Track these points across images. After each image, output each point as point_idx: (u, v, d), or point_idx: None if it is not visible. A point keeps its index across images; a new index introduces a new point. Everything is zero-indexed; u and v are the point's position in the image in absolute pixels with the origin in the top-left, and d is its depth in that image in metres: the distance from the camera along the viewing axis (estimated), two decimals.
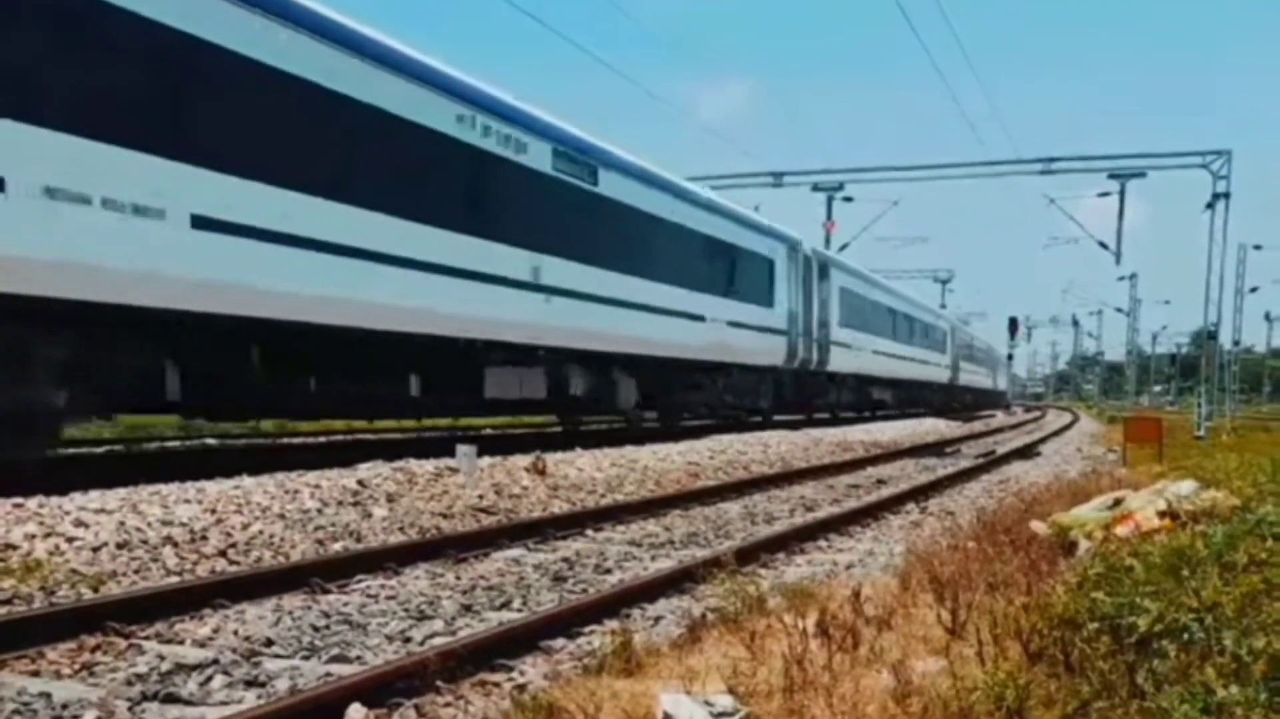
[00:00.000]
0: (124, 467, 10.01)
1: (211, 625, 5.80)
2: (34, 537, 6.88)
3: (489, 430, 19.63)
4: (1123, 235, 34.78)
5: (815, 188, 36.31)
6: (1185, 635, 4.04)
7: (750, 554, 8.10)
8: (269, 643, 5.48)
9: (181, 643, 5.45)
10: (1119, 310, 76.84)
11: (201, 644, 5.44)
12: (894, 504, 12.22)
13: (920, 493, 13.49)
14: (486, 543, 8.48)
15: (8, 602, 5.92)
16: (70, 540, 6.99)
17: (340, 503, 9.36)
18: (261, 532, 8.08)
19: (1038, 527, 7.82)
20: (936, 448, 23.64)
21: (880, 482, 15.57)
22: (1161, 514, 7.49)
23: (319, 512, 8.95)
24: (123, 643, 5.36)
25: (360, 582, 7.02)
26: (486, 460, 12.41)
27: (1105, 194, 33.71)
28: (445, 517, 9.73)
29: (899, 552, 8.22)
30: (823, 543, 9.41)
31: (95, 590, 6.32)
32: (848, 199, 37.46)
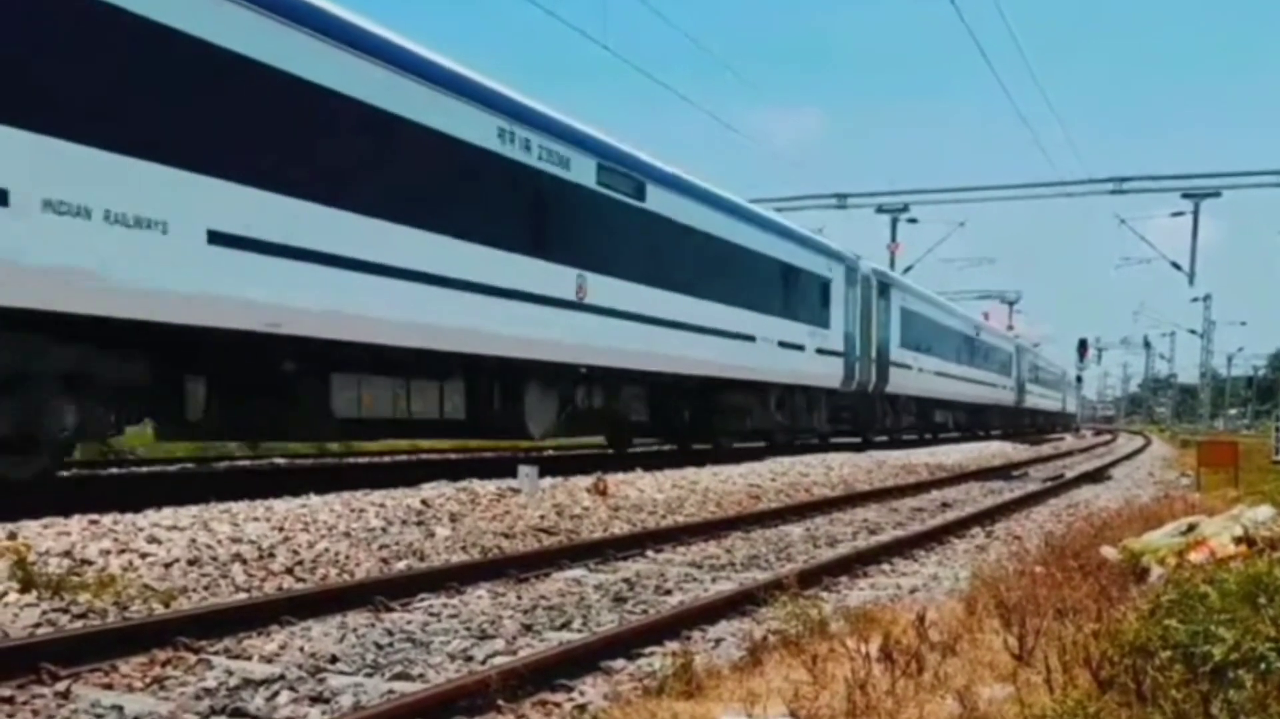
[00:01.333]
0: (196, 485, 10.21)
1: (278, 642, 5.87)
2: (109, 552, 7.04)
3: (550, 451, 19.70)
4: (1196, 255, 34.21)
5: (879, 209, 36.18)
6: (1262, 665, 3.93)
7: (812, 577, 8.03)
8: (334, 660, 5.54)
9: (249, 659, 5.52)
10: (1192, 332, 75.46)
11: (268, 660, 5.51)
12: (959, 528, 12.06)
13: (986, 516, 13.30)
14: (548, 563, 8.51)
15: (83, 615, 6.04)
16: (143, 556, 7.14)
17: (404, 522, 9.45)
18: (327, 549, 8.19)
19: (1108, 552, 7.68)
20: (1003, 471, 23.29)
21: (945, 505, 15.38)
22: (1237, 540, 7.32)
23: (383, 530, 9.04)
24: (192, 658, 5.44)
25: (423, 600, 7.07)
26: (548, 481, 12.46)
27: (1179, 213, 33.24)
28: (507, 536, 9.78)
29: (964, 576, 8.10)
30: (886, 566, 9.31)
31: (166, 606, 6.43)
32: (912, 220, 37.27)
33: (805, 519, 12.61)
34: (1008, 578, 6.68)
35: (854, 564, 9.00)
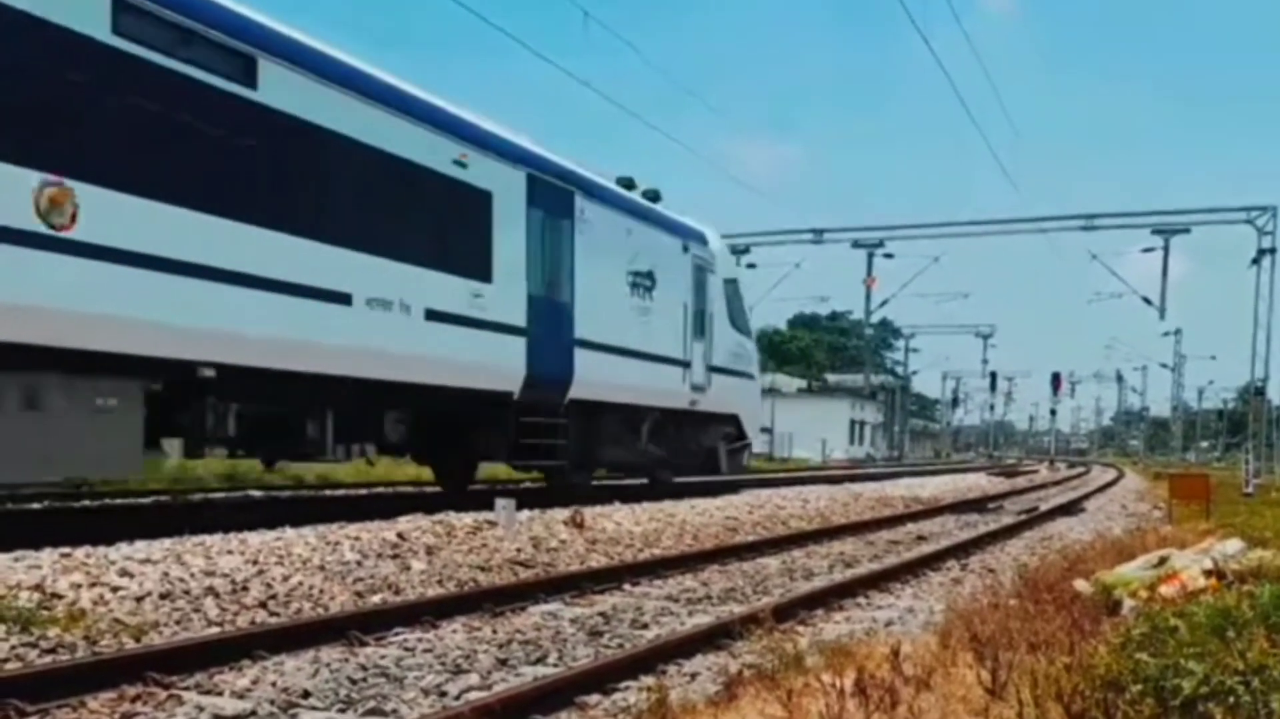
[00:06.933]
0: (169, 517, 10.15)
1: (250, 677, 5.83)
2: (80, 586, 6.98)
3: (527, 484, 19.64)
4: (1167, 291, 34.59)
5: (855, 244, 36.45)
6: (1231, 698, 3.97)
7: (788, 611, 8.04)
8: (306, 695, 5.51)
9: (220, 694, 5.48)
10: (1164, 366, 76.33)
11: (240, 695, 5.47)
12: (934, 561, 12.10)
13: (961, 549, 13.34)
14: (524, 596, 8.48)
15: (52, 650, 5.98)
16: (115, 590, 7.08)
17: (380, 555, 9.41)
18: (302, 583, 8.14)
19: (1081, 585, 7.72)
20: (978, 504, 23.36)
21: (920, 538, 15.42)
22: (1207, 573, 7.38)
23: (359, 564, 9.00)
24: (162, 693, 5.40)
25: (398, 634, 7.04)
26: (525, 514, 12.43)
27: (1149, 249, 33.63)
28: (483, 569, 9.75)
29: (939, 609, 8.14)
30: (862, 600, 9.33)
31: (137, 640, 6.38)
32: (888, 256, 37.54)
33: (782, 552, 12.62)
34: (982, 611, 6.71)
35: (830, 598, 9.01)
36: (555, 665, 6.39)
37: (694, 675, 6.22)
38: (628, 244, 17.57)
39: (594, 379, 16.17)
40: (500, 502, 11.98)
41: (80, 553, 7.71)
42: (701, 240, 20.52)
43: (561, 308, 15.60)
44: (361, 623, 7.00)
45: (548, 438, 15.09)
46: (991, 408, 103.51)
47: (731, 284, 21.77)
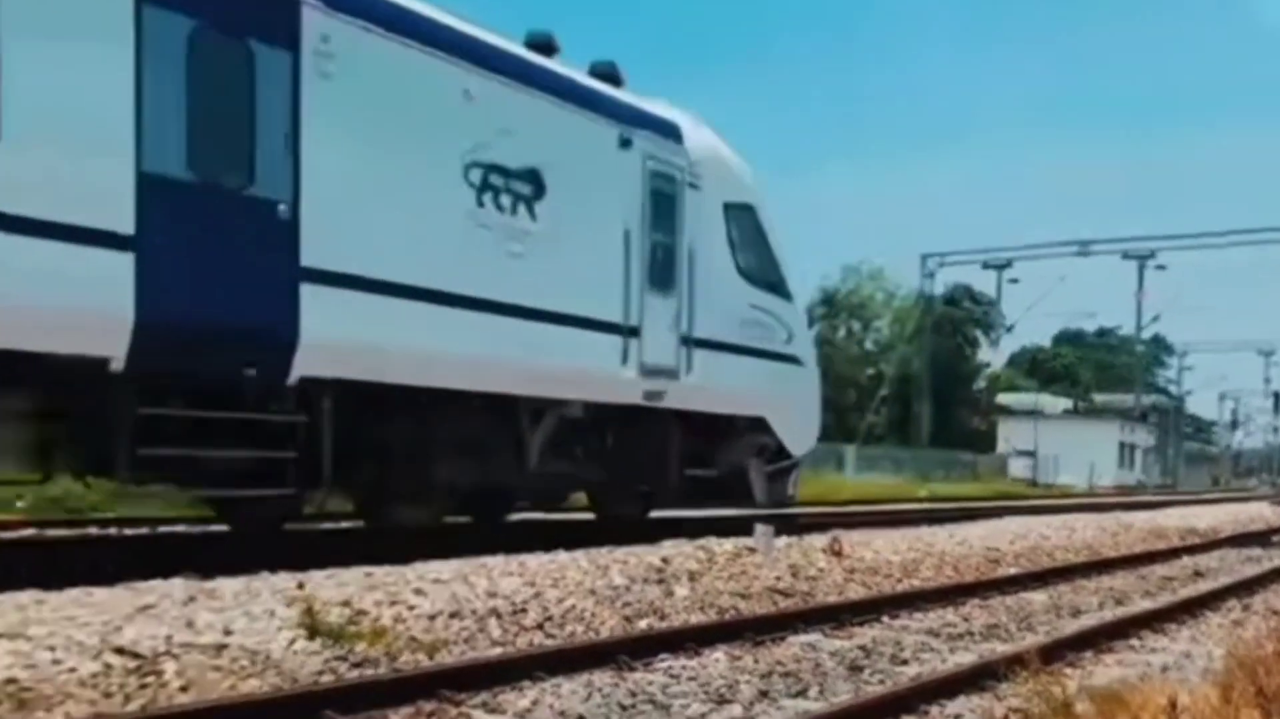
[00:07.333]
0: (454, 538, 10.83)
1: (530, 697, 6.24)
2: (381, 603, 7.63)
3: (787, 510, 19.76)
4: None
5: (1125, 256, 34.73)
6: None
7: (1055, 651, 7.86)
8: None
9: (504, 713, 5.91)
10: None
11: (521, 716, 5.88)
12: (1213, 600, 11.47)
13: (1243, 588, 12.56)
14: (783, 626, 8.63)
15: (359, 664, 6.60)
16: (410, 608, 7.69)
17: (645, 580, 9.78)
18: (575, 606, 8.60)
19: None
20: (1261, 537, 21.76)
21: (1197, 573, 14.60)
22: None
23: (626, 588, 9.39)
24: (453, 710, 5.86)
25: (663, 660, 7.33)
26: (783, 540, 12.58)
27: None
28: (743, 597, 9.97)
29: (1219, 654, 7.75)
30: (1134, 641, 8.99)
31: (430, 657, 6.93)
32: (1160, 267, 35.56)
33: (1047, 586, 12.24)
34: (1266, 660, 6.37)
35: (1099, 638, 8.73)
36: (816, 700, 6.53)
37: (957, 717, 6.23)
38: (467, 116, 10.45)
39: (360, 342, 9.43)
40: (759, 527, 12.20)
41: (381, 571, 8.42)
42: (666, 132, 13.02)
43: (258, 208, 8.74)
44: (630, 648, 7.34)
45: (248, 445, 8.91)
46: (1275, 430, 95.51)
47: (742, 212, 14.19)
